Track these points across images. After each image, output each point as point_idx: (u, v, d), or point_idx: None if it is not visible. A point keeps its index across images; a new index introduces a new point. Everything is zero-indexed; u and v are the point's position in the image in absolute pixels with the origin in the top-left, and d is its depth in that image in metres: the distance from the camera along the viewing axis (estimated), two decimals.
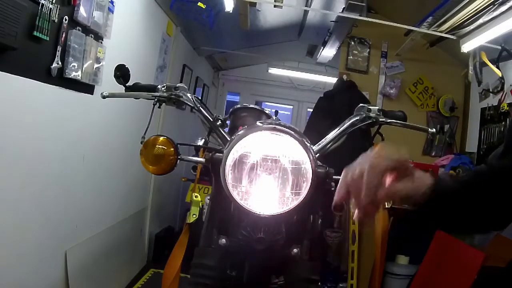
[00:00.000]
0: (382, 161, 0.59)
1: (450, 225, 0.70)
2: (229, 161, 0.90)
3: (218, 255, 0.99)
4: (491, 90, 2.90)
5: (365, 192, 0.58)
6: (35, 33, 1.44)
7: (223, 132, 1.19)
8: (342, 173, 0.63)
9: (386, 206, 1.42)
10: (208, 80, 5.03)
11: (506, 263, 0.79)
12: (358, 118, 1.19)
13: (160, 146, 1.06)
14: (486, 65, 2.80)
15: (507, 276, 0.79)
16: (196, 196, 1.60)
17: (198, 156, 1.51)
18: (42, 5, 1.45)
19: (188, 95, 1.23)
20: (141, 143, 1.09)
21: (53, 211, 1.80)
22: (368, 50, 3.52)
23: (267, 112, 1.63)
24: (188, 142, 1.28)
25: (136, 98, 1.28)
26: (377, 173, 0.59)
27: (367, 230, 2.90)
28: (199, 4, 2.51)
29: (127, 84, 1.26)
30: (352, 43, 3.51)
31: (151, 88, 1.25)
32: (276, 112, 1.33)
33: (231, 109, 1.66)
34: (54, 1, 1.51)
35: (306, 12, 3.38)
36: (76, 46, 1.71)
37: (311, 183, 0.89)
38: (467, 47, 2.58)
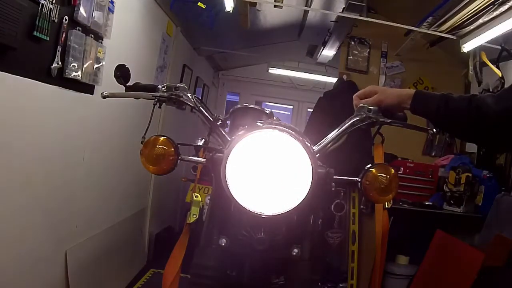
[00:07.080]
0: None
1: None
2: (229, 161, 0.90)
3: (218, 255, 0.99)
4: (491, 90, 2.90)
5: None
6: (35, 33, 1.44)
7: (223, 132, 1.19)
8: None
9: (387, 206, 1.42)
10: (208, 80, 5.02)
11: (504, 261, 0.79)
12: (358, 118, 1.19)
13: (160, 146, 1.06)
14: (486, 65, 2.80)
15: (506, 275, 0.79)
16: (196, 196, 1.59)
17: (198, 156, 1.50)
18: (42, 5, 1.45)
19: (188, 95, 1.23)
20: (142, 143, 1.09)
21: (53, 211, 1.80)
22: (368, 50, 3.52)
23: (267, 112, 1.63)
24: (188, 142, 1.28)
25: (136, 98, 1.28)
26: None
27: (367, 230, 2.89)
28: (199, 4, 2.51)
29: (127, 84, 1.26)
30: (352, 43, 3.51)
31: (151, 88, 1.25)
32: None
33: (231, 109, 1.66)
34: (54, 1, 1.51)
35: (306, 12, 3.38)
36: (76, 46, 1.70)
37: (311, 183, 0.89)
38: (467, 47, 2.58)
